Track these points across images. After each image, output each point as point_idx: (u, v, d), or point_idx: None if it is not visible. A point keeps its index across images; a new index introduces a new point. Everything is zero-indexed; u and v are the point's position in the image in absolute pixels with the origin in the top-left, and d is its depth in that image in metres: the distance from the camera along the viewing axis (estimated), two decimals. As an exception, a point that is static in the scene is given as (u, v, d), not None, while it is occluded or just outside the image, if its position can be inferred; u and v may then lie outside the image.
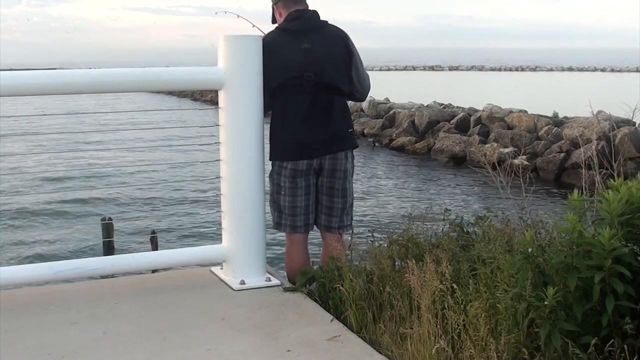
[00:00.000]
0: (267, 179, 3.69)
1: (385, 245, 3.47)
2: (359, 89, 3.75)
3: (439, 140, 19.01)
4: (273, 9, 3.76)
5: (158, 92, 38.10)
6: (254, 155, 3.54)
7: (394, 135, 20.75)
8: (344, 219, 3.77)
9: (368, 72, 3.89)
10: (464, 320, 2.63)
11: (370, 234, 3.72)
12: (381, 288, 3.06)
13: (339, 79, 3.63)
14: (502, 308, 2.56)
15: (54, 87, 3.38)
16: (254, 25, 4.01)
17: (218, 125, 3.58)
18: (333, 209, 3.74)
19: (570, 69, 72.74)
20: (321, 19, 3.70)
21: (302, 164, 3.61)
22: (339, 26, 3.72)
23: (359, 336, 2.94)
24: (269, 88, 3.56)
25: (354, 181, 3.87)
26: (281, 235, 3.98)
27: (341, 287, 3.13)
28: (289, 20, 3.65)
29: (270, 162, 3.72)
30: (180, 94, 39.45)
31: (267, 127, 3.66)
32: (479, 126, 19.01)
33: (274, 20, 3.79)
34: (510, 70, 73.49)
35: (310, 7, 3.73)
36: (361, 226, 9.55)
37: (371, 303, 3.06)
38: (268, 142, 3.69)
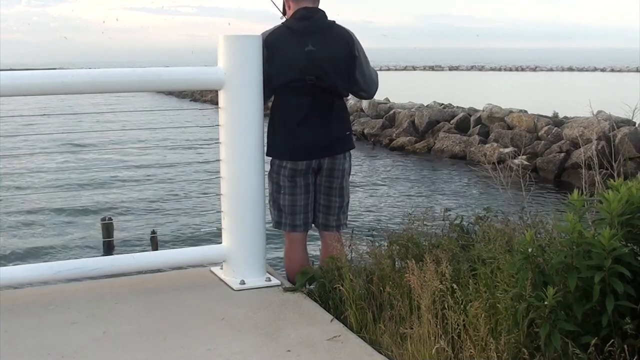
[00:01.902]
0: (266, 179, 3.69)
1: (385, 245, 3.47)
2: (365, 88, 3.76)
3: (439, 140, 19.01)
4: (284, 1, 3.73)
5: (158, 92, 38.08)
6: (254, 155, 3.54)
7: (394, 135, 20.74)
8: (340, 217, 3.80)
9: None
10: (464, 320, 2.63)
11: (370, 234, 3.72)
12: (381, 288, 3.06)
13: (339, 83, 3.63)
14: (502, 308, 2.56)
15: (54, 87, 3.38)
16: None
17: (218, 125, 3.58)
18: (331, 207, 3.75)
19: (570, 69, 72.69)
20: (329, 19, 3.66)
21: (301, 164, 3.62)
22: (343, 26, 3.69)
23: (359, 336, 2.94)
24: (271, 84, 3.56)
25: (352, 181, 3.87)
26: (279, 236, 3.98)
27: (341, 287, 3.13)
28: (296, 18, 3.61)
29: (269, 161, 3.72)
30: (180, 94, 39.43)
31: (267, 121, 3.65)
32: (479, 126, 19.00)
33: (284, 12, 3.74)
34: (510, 70, 73.45)
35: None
36: (361, 226, 9.54)
37: (371, 303, 3.06)
38: (267, 139, 3.70)
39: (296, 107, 3.59)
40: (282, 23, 3.66)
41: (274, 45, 3.53)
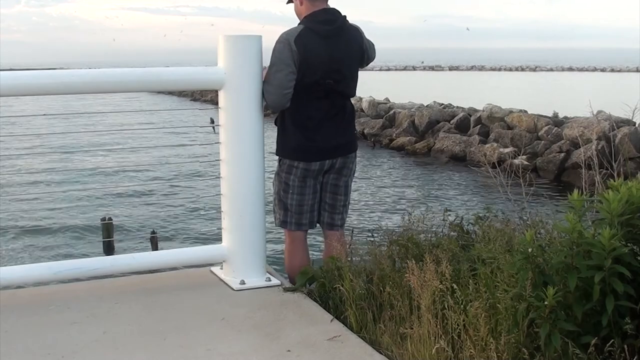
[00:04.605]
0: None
1: (385, 245, 3.47)
2: (365, 66, 3.86)
3: (439, 140, 19.01)
4: None
5: (158, 92, 38.07)
6: (254, 155, 3.54)
7: (394, 135, 20.74)
8: (344, 216, 3.84)
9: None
10: (464, 320, 2.63)
11: (370, 234, 3.73)
12: (381, 288, 3.06)
13: (352, 85, 3.70)
14: (502, 308, 2.56)
15: (54, 87, 3.39)
16: None
17: (218, 125, 3.58)
18: (336, 206, 3.78)
19: (570, 69, 72.70)
20: (345, 19, 3.65)
21: (315, 164, 3.64)
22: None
23: (359, 336, 2.94)
24: (298, 86, 3.53)
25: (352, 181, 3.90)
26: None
27: (341, 287, 3.13)
28: (319, 21, 3.57)
29: (279, 160, 3.72)
30: (180, 94, 39.42)
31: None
32: (479, 126, 19.01)
33: (289, 0, 3.71)
34: (510, 70, 73.43)
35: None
36: (361, 226, 9.55)
37: (371, 303, 3.06)
38: (277, 139, 3.70)
39: (312, 109, 3.60)
40: (303, 25, 3.58)
41: (304, 49, 3.49)
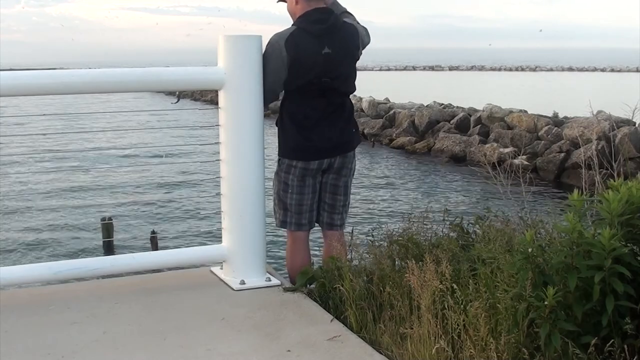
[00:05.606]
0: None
1: (385, 245, 3.47)
2: None
3: (439, 140, 19.02)
4: None
5: (158, 92, 38.05)
6: (254, 155, 3.54)
7: (394, 135, 20.76)
8: (343, 216, 3.83)
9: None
10: (464, 320, 2.63)
11: (370, 234, 3.73)
12: (381, 288, 3.06)
13: (350, 82, 3.68)
14: (502, 308, 2.56)
15: (54, 87, 3.38)
16: None
17: (218, 125, 3.58)
18: (336, 206, 3.77)
19: (570, 69, 72.69)
20: (339, 16, 3.65)
21: (313, 163, 3.63)
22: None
23: (359, 336, 2.94)
24: (288, 87, 3.54)
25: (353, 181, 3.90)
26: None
27: (341, 287, 3.13)
28: (311, 20, 3.56)
29: (278, 160, 3.72)
30: (180, 94, 39.40)
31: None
32: (479, 126, 19.02)
33: None
34: (510, 70, 73.43)
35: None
36: (361, 226, 9.54)
37: (371, 303, 3.06)
38: (278, 139, 3.70)
39: (310, 108, 3.60)
40: (296, 25, 3.58)
41: (296, 49, 3.49)
